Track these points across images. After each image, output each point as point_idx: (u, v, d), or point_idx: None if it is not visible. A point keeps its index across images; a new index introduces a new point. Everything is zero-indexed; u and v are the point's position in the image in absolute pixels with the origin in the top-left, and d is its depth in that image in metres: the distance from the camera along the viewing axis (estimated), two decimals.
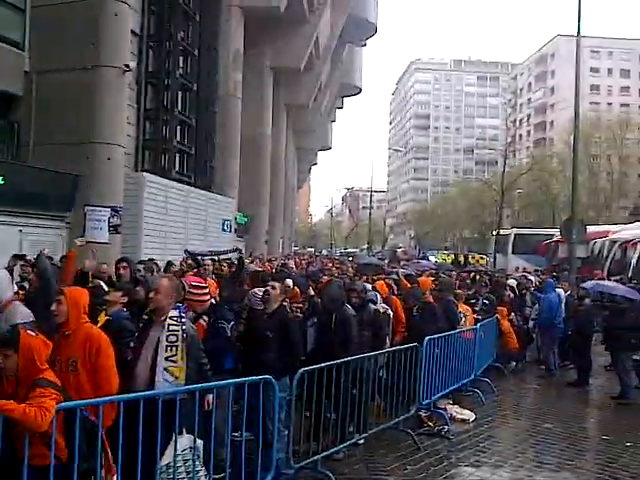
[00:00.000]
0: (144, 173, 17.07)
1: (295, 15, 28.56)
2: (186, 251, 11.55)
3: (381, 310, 7.26)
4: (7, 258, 10.43)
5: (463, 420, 7.17)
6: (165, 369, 4.15)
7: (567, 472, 5.58)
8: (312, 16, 31.53)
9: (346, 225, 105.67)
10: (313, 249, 71.47)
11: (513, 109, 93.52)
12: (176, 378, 4.13)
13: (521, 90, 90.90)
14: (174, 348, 4.20)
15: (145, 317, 4.43)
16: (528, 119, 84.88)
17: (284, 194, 39.95)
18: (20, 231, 12.79)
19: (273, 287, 5.40)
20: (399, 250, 57.24)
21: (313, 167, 71.94)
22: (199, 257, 9.87)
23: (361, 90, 53.67)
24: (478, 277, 14.43)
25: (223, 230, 21.92)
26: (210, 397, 4.30)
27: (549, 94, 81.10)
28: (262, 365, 4.83)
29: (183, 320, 4.31)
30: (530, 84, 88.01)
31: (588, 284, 11.77)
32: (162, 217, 17.33)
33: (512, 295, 11.55)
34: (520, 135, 76.38)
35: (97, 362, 3.67)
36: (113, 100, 14.48)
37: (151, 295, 4.53)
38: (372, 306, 6.93)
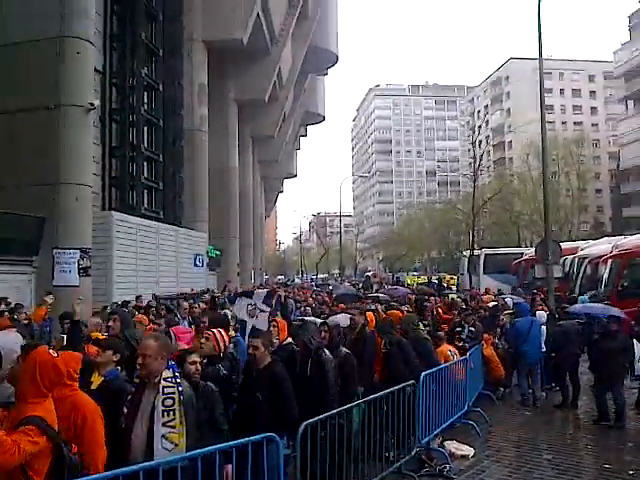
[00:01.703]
0: (112, 212, 16.68)
1: (257, 47, 28.70)
2: (154, 296, 11.20)
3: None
4: None
5: (463, 456, 6.98)
6: (163, 436, 3.84)
7: None
8: (274, 48, 31.74)
9: (315, 251, 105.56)
10: (283, 276, 71.12)
11: (472, 131, 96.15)
12: (176, 445, 3.82)
13: (479, 112, 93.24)
14: (171, 412, 3.89)
15: (136, 380, 4.13)
16: (487, 140, 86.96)
17: (253, 224, 39.68)
18: None
19: (255, 347, 4.95)
20: (369, 274, 57.53)
21: (279, 195, 71.95)
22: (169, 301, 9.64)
23: (324, 118, 54.20)
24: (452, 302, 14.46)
25: (195, 265, 21.53)
26: (230, 467, 4.00)
27: (505, 115, 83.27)
28: (254, 426, 4.49)
29: (178, 380, 4.02)
30: (487, 106, 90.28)
31: (575, 307, 11.81)
32: (133, 256, 16.93)
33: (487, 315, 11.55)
34: (481, 156, 78.17)
35: (84, 435, 3.35)
36: (78, 139, 14.17)
37: (139, 360, 4.24)
38: (343, 349, 6.19)
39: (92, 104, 14.23)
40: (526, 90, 75.59)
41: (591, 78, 79.65)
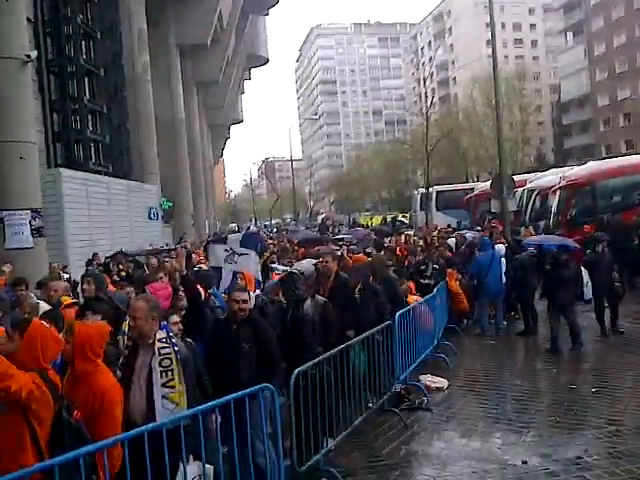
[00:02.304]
0: (60, 168, 15.99)
1: None
2: (121, 252, 10.93)
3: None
4: None
5: (438, 388, 7.30)
6: (164, 396, 3.85)
7: (553, 429, 5.79)
8: None
9: (266, 197, 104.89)
10: (235, 224, 70.62)
11: (416, 68, 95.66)
12: (177, 404, 3.84)
13: (422, 49, 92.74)
14: (170, 372, 3.89)
15: (129, 343, 4.09)
16: (431, 77, 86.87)
17: (203, 173, 38.95)
18: None
19: (245, 300, 4.85)
20: (322, 217, 57.77)
21: (227, 141, 70.55)
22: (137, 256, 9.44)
23: (268, 60, 52.91)
24: (413, 240, 14.73)
25: (150, 218, 21.09)
26: (214, 416, 4.05)
27: (449, 51, 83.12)
28: (239, 377, 4.50)
29: (173, 340, 4.02)
30: (430, 42, 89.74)
31: (526, 240, 12.17)
32: (85, 213, 16.41)
33: (450, 254, 11.85)
34: (425, 93, 78.22)
35: (99, 418, 3.30)
36: (17, 94, 13.32)
37: (130, 322, 4.19)
38: (320, 298, 6.05)
39: (29, 56, 13.33)
40: (468, 24, 75.47)
41: (531, 11, 79.90)
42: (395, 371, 6.61)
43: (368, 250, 11.71)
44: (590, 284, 10.45)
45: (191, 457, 3.75)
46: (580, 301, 9.41)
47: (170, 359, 3.88)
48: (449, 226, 21.62)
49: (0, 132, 12.85)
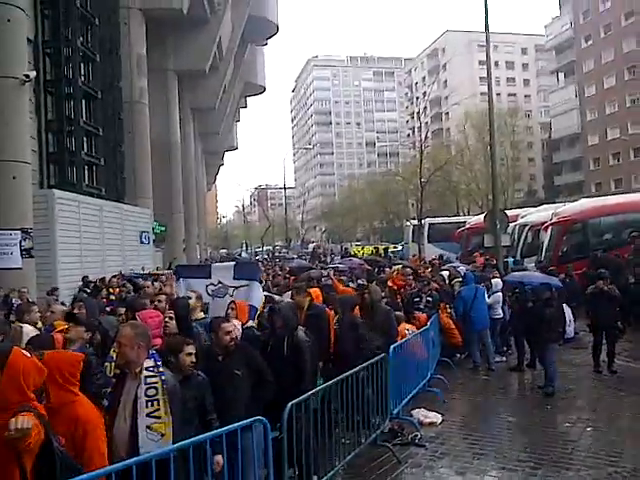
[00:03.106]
0: (53, 190, 15.89)
1: (197, 16, 27.83)
2: (120, 274, 10.82)
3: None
4: None
5: (431, 423, 7.16)
6: (148, 427, 3.71)
7: (549, 466, 5.67)
8: (214, 17, 30.83)
9: (258, 224, 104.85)
10: (226, 250, 70.38)
11: (410, 102, 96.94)
12: (162, 435, 3.70)
13: (416, 84, 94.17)
14: (155, 402, 3.74)
15: (117, 371, 3.97)
16: (425, 111, 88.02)
17: (196, 199, 38.92)
18: None
19: (227, 332, 4.76)
20: (312, 245, 57.76)
21: (220, 168, 70.76)
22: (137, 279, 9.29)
23: (265, 89, 53.40)
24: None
25: (141, 242, 20.93)
26: (219, 458, 3.92)
27: (442, 87, 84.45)
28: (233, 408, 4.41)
29: (160, 370, 3.88)
30: (424, 78, 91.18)
31: (508, 277, 12.07)
32: (76, 235, 16.25)
33: (442, 287, 11.76)
34: (419, 127, 79.08)
35: (85, 448, 3.15)
36: (14, 114, 13.39)
37: (115, 349, 4.08)
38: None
39: (27, 76, 13.43)
40: (462, 62, 76.89)
41: (524, 51, 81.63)
42: (388, 405, 6.49)
43: (360, 281, 11.65)
44: (573, 322, 10.41)
45: None
46: (561, 340, 9.30)
47: (156, 388, 3.75)
48: (440, 257, 21.65)
49: None
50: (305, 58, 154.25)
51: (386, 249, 32.80)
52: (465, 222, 28.56)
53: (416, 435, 6.67)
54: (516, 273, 12.40)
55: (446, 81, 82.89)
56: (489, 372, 9.95)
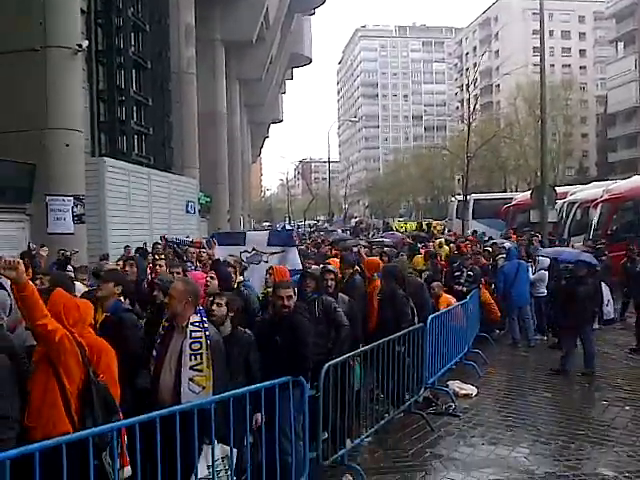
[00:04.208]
0: (104, 158, 16.38)
1: None
2: (163, 238, 11.13)
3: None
4: None
5: (466, 395, 7.23)
6: (190, 379, 3.93)
7: (582, 442, 5.68)
8: None
9: (301, 197, 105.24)
10: (269, 223, 71.06)
11: (460, 74, 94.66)
12: (203, 388, 3.92)
13: (467, 54, 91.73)
14: (198, 356, 3.97)
15: (166, 324, 4.19)
16: (475, 83, 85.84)
17: (241, 170, 39.33)
18: None
19: (290, 296, 4.78)
20: (355, 220, 57.68)
21: (265, 140, 71.05)
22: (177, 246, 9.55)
23: (311, 60, 53.07)
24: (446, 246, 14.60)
25: (187, 212, 21.41)
26: (258, 416, 4.11)
27: (494, 57, 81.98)
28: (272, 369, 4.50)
29: (205, 325, 4.09)
30: (475, 48, 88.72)
31: (546, 250, 11.81)
32: (125, 202, 16.78)
33: (485, 263, 11.68)
34: (468, 100, 77.25)
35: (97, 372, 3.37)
36: (67, 83, 13.80)
37: (166, 300, 4.30)
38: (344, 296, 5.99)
39: (80, 45, 13.80)
40: (515, 31, 74.34)
41: (581, 19, 78.26)
42: (424, 375, 6.59)
43: (402, 255, 11.68)
44: (612, 303, 10.07)
45: (216, 441, 3.81)
46: (600, 322, 9.07)
47: (200, 343, 3.95)
48: (474, 232, 21.40)
49: (48, 119, 13.30)
50: (353, 28, 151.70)
51: (429, 224, 32.51)
52: (512, 198, 28.01)
53: (450, 405, 6.76)
54: (549, 249, 12.17)
55: (498, 51, 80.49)
56: (528, 349, 9.91)
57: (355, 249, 9.50)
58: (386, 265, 7.58)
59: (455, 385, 7.42)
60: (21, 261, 2.98)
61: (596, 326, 9.30)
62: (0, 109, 13.23)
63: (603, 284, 9.30)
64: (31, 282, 3.14)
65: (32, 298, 3.00)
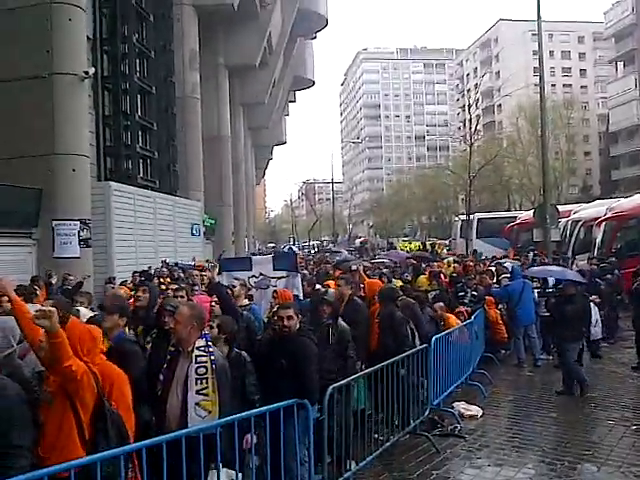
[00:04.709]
0: (110, 182, 16.55)
1: (247, 11, 28.21)
2: (164, 262, 11.22)
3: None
4: None
5: (472, 416, 7.22)
6: (197, 403, 3.97)
7: (588, 463, 5.67)
8: (263, 12, 31.20)
9: (305, 218, 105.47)
10: (273, 244, 71.16)
11: (461, 95, 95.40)
12: (209, 412, 3.95)
13: (467, 75, 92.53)
14: (204, 381, 4.00)
15: (172, 349, 4.24)
16: (477, 104, 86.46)
17: (245, 193, 39.57)
18: None
19: (290, 317, 4.81)
20: (359, 240, 57.75)
21: (269, 162, 71.48)
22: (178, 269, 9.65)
23: (314, 83, 53.59)
24: (452, 267, 14.66)
25: (192, 234, 21.54)
26: (248, 437, 4.14)
27: (495, 78, 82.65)
28: (277, 393, 4.50)
29: (211, 350, 4.13)
30: (476, 69, 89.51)
31: (532, 270, 11.77)
32: (131, 226, 16.89)
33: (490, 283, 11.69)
34: (471, 120, 77.67)
35: (110, 400, 3.40)
36: (73, 108, 14.02)
37: (172, 325, 4.36)
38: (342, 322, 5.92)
39: (87, 72, 14.06)
40: (516, 52, 75.07)
41: (580, 39, 79.00)
42: (429, 396, 6.60)
43: (405, 276, 11.72)
44: (599, 323, 10.02)
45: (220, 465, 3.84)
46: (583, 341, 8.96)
47: (206, 367, 3.99)
48: (474, 252, 21.44)
49: (55, 144, 13.49)
50: (354, 51, 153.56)
51: (433, 245, 32.53)
52: (515, 217, 28.05)
53: (456, 427, 6.75)
54: (538, 268, 12.09)
55: (499, 72, 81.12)
56: (534, 368, 9.89)
57: (354, 267, 9.49)
58: (382, 288, 7.54)
59: (461, 406, 7.41)
60: (54, 310, 3.00)
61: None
62: (7, 135, 13.43)
63: (592, 304, 9.24)
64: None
65: (63, 343, 3.04)
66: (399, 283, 10.37)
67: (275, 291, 6.72)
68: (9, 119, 13.50)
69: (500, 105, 77.76)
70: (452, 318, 8.63)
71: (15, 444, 2.89)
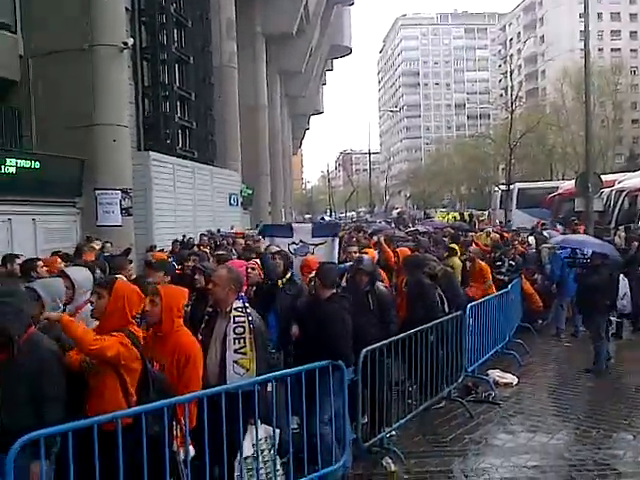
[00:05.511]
0: (150, 152, 16.80)
1: None
2: (209, 232, 11.42)
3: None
4: (23, 248, 10.41)
5: (506, 384, 7.24)
6: (235, 362, 4.12)
7: (624, 431, 5.64)
8: None
9: (342, 189, 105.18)
10: (310, 215, 71.34)
11: (504, 61, 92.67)
12: (247, 370, 4.10)
13: (510, 40, 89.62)
14: (242, 340, 4.15)
15: (210, 310, 4.39)
16: (519, 70, 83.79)
17: (282, 163, 39.63)
18: (33, 220, 12.65)
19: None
20: (397, 211, 57.30)
21: (306, 132, 71.23)
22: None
23: (351, 51, 52.83)
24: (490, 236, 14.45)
25: (230, 204, 21.79)
26: (270, 386, 4.27)
27: (539, 43, 79.87)
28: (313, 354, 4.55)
29: (248, 310, 4.26)
30: (519, 34, 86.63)
31: (556, 239, 11.51)
32: (170, 195, 17.19)
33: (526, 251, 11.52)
34: (512, 87, 75.23)
35: (184, 373, 3.62)
36: (113, 80, 14.17)
37: (209, 287, 4.49)
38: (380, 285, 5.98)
39: (126, 43, 14.16)
40: (561, 15, 72.21)
41: (632, 0, 75.34)
42: (463, 362, 6.63)
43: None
44: (629, 296, 9.67)
45: (259, 421, 3.98)
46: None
47: (243, 327, 4.13)
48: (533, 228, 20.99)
49: (96, 115, 13.73)
50: (392, 17, 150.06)
51: (471, 215, 32.09)
52: (557, 187, 27.35)
53: (490, 394, 6.79)
54: (572, 237, 11.73)
55: (543, 36, 78.38)
56: (571, 339, 9.78)
57: (375, 238, 9.40)
58: (407, 256, 7.46)
59: (495, 374, 7.43)
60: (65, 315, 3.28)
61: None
62: (50, 107, 13.73)
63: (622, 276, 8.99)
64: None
65: (71, 328, 3.20)
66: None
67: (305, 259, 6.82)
68: (52, 91, 13.78)
69: (544, 71, 75.38)
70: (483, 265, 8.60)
71: (48, 395, 3.09)
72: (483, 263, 9.11)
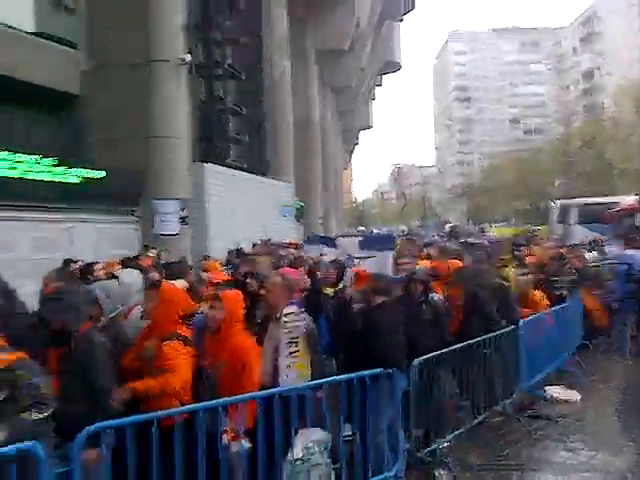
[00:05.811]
0: (204, 163, 17.19)
1: None
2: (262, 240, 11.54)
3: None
4: (85, 255, 10.76)
5: (565, 401, 6.97)
6: (288, 366, 4.14)
7: None
8: None
9: (394, 203, 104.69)
10: (364, 228, 71.10)
11: (559, 75, 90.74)
12: (300, 374, 4.12)
13: (566, 55, 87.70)
14: (295, 344, 4.18)
15: (263, 314, 4.42)
16: (576, 85, 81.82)
17: (333, 177, 39.84)
18: (95, 227, 13.10)
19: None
20: (448, 225, 56.43)
21: (355, 147, 71.46)
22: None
23: (400, 66, 52.84)
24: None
25: (283, 216, 22.02)
26: (321, 391, 4.24)
27: (596, 57, 77.80)
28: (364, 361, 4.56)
29: (302, 315, 4.29)
30: (575, 48, 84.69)
31: (612, 253, 11.08)
32: (224, 205, 17.49)
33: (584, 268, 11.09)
34: (569, 101, 73.33)
35: (241, 378, 3.66)
36: (170, 94, 14.66)
37: (263, 293, 4.53)
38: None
39: (183, 59, 14.66)
40: (619, 28, 70.12)
41: None
42: (519, 378, 6.44)
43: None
44: None
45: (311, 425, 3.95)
46: None
47: (298, 332, 4.15)
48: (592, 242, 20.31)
49: (155, 127, 14.19)
50: (440, 33, 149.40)
51: (530, 230, 31.31)
52: (617, 202, 26.44)
53: (548, 411, 6.55)
54: (628, 252, 11.38)
55: (600, 50, 76.31)
56: (635, 358, 9.35)
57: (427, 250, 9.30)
58: (458, 268, 7.23)
59: (553, 390, 7.17)
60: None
61: None
62: (110, 120, 14.23)
63: None
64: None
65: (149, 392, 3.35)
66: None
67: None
68: (111, 103, 14.29)
69: (602, 85, 73.26)
70: (537, 294, 8.27)
71: (100, 386, 3.21)
72: (537, 292, 8.58)
